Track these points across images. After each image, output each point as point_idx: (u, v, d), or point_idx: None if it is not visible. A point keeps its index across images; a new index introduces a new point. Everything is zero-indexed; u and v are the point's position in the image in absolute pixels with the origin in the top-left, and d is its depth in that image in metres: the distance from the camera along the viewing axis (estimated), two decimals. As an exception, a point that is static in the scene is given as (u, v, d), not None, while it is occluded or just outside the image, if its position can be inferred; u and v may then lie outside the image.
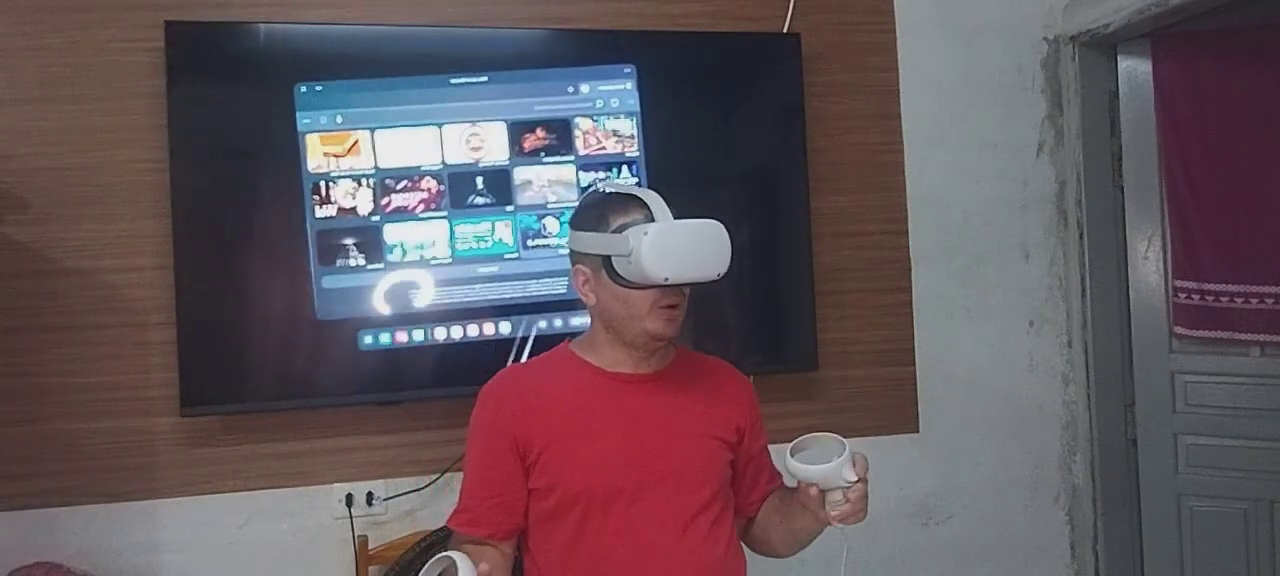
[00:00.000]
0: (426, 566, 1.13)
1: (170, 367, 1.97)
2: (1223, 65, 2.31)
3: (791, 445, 1.30)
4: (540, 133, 2.11)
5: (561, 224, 2.10)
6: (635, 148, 2.16)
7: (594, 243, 1.34)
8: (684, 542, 1.35)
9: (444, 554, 1.13)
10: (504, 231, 2.09)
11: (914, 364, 2.41)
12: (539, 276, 2.10)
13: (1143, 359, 2.44)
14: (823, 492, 1.28)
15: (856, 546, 2.39)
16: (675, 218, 1.32)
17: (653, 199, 1.33)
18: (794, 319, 2.29)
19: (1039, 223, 2.49)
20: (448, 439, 2.11)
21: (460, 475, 2.11)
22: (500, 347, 2.08)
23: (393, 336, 2.03)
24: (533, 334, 2.09)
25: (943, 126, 2.43)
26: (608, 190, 1.40)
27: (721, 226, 1.33)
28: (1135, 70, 2.42)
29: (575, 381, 1.41)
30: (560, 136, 2.12)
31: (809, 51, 2.30)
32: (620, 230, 1.30)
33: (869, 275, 2.39)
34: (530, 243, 2.10)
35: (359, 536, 2.04)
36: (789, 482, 1.54)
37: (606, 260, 1.32)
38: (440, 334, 2.06)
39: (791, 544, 1.47)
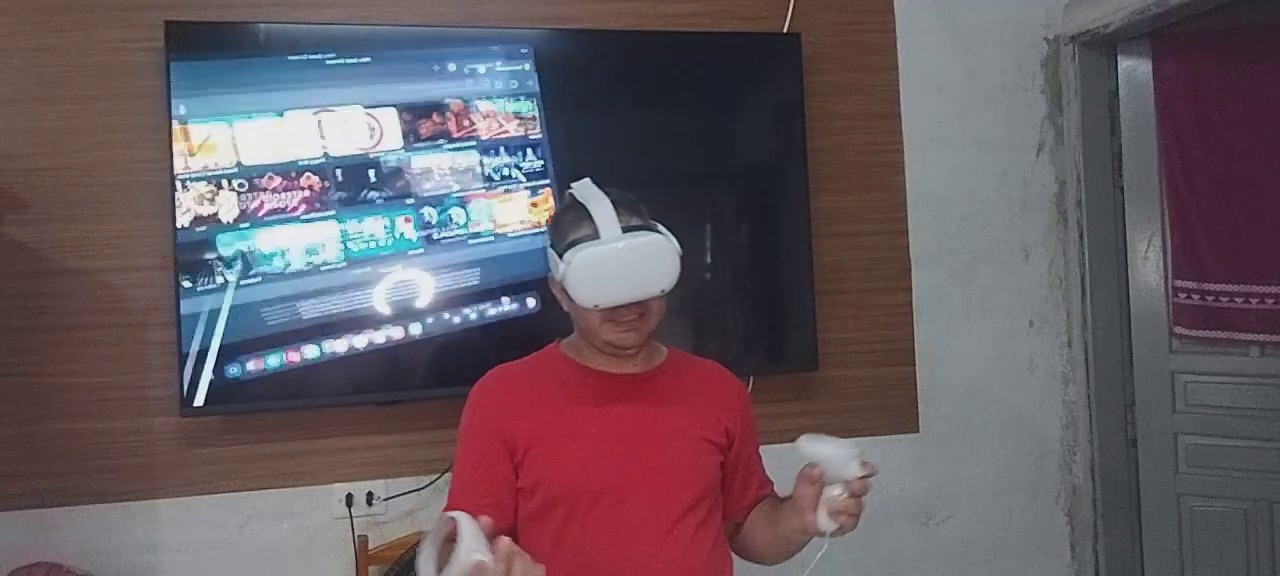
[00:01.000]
0: (430, 530, 1.13)
1: (170, 368, 1.97)
2: (1223, 65, 2.31)
3: (805, 435, 1.29)
4: (436, 117, 1.98)
5: (466, 212, 1.99)
6: (538, 130, 2.04)
7: (552, 259, 1.34)
8: (668, 543, 1.34)
9: (448, 514, 1.12)
10: (405, 227, 1.95)
11: (914, 364, 2.41)
12: (447, 269, 1.98)
13: (1143, 359, 2.44)
14: (821, 487, 1.27)
15: (857, 546, 2.40)
16: (628, 229, 1.29)
17: (601, 212, 1.29)
18: (794, 319, 2.29)
19: (1039, 223, 2.49)
20: (448, 439, 2.08)
21: (460, 475, 2.13)
22: (493, 344, 2.08)
23: (284, 358, 1.90)
24: (448, 330, 1.98)
25: (943, 126, 2.43)
26: (573, 196, 1.36)
27: (664, 243, 1.29)
28: (1135, 70, 2.42)
29: (563, 381, 1.41)
30: (458, 120, 1.99)
31: (809, 51, 2.30)
32: (565, 249, 1.29)
33: (869, 275, 2.39)
34: (435, 236, 1.98)
35: (359, 536, 2.04)
36: (788, 482, 1.54)
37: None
38: (340, 347, 1.94)
39: (776, 549, 1.45)
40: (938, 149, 2.43)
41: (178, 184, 1.88)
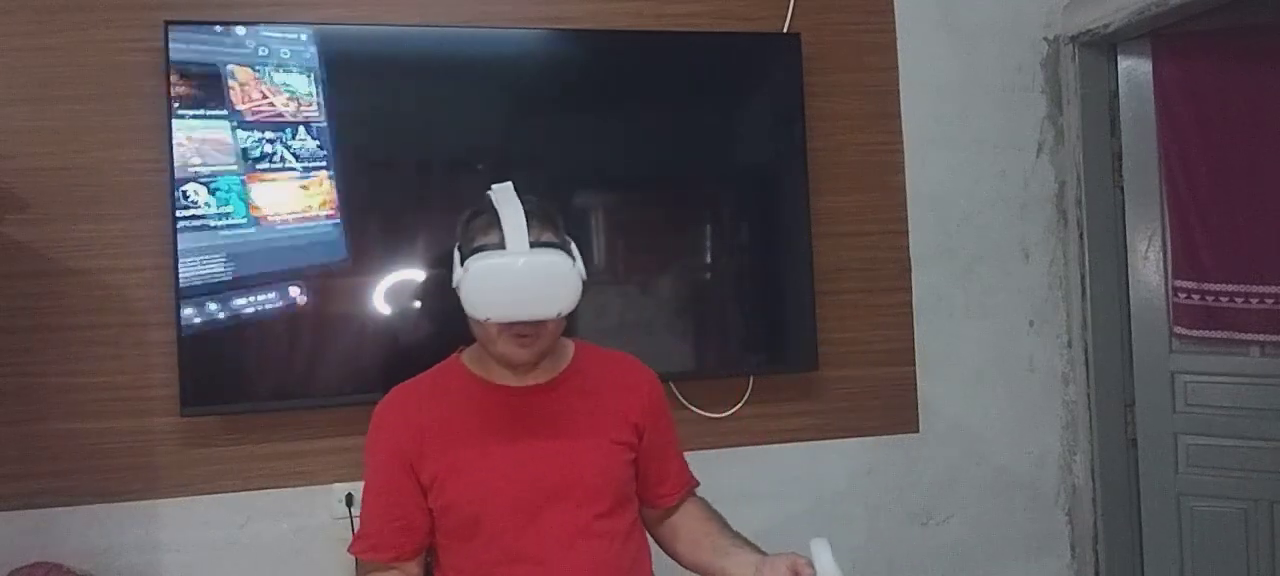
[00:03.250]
0: None
1: (170, 368, 1.97)
2: (1223, 65, 2.31)
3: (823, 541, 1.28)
4: (177, 79, 1.85)
5: (212, 193, 1.83)
6: (315, 110, 1.87)
7: (454, 261, 1.31)
8: (585, 549, 1.34)
9: None
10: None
11: (914, 364, 2.41)
12: (189, 255, 1.85)
13: (1143, 359, 2.44)
14: None
15: (857, 546, 2.40)
16: (536, 244, 1.26)
17: (510, 222, 1.25)
18: (794, 319, 2.29)
19: (1039, 223, 2.49)
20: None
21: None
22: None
23: None
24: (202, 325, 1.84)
25: (943, 126, 2.43)
26: (491, 198, 1.30)
27: (565, 263, 1.26)
28: (1135, 70, 2.42)
29: (466, 398, 1.38)
30: (206, 87, 1.84)
31: (809, 51, 2.30)
32: (471, 253, 1.26)
33: (869, 275, 2.39)
34: (176, 215, 1.84)
35: (359, 536, 2.04)
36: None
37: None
38: None
39: (706, 572, 1.45)
40: (938, 149, 2.43)
41: None
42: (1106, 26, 2.33)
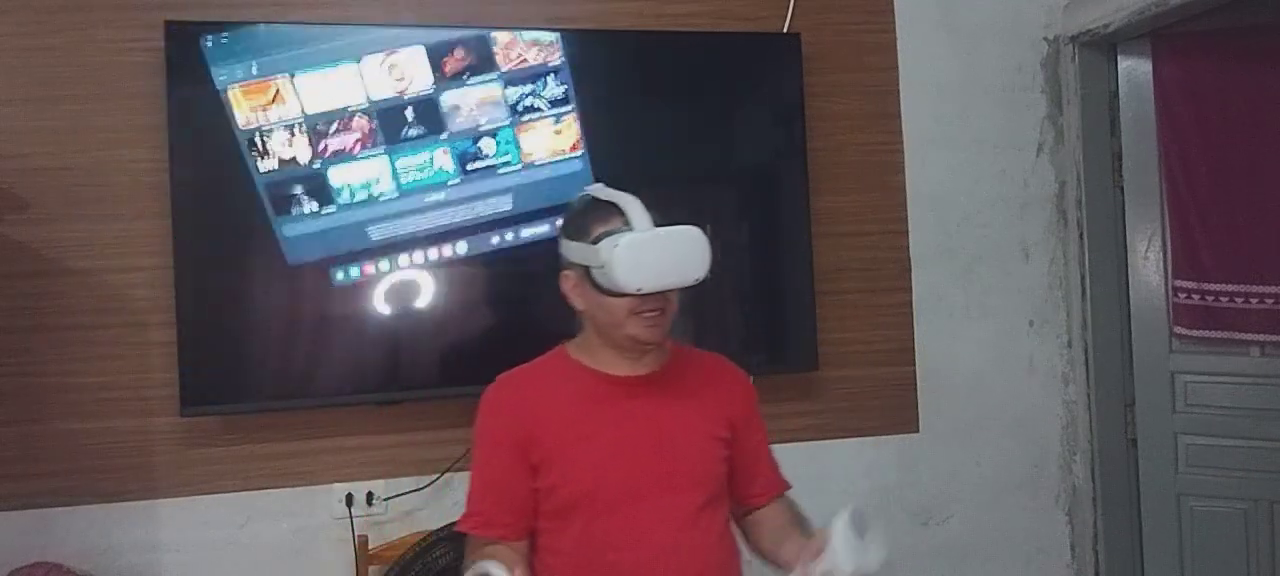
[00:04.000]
0: None
1: (170, 367, 1.97)
2: (1223, 65, 2.31)
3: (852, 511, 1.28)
4: (459, 54, 2.08)
5: (497, 142, 2.10)
6: (558, 57, 2.12)
7: (576, 252, 1.37)
8: (682, 542, 1.38)
9: (481, 568, 1.15)
10: (443, 159, 2.08)
11: (914, 364, 2.41)
12: (484, 197, 2.10)
13: (1143, 359, 2.44)
14: (821, 552, 1.26)
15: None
16: (657, 224, 1.33)
17: (632, 207, 1.34)
18: (794, 319, 2.29)
19: (1039, 223, 2.49)
20: (448, 439, 2.10)
21: (460, 475, 2.13)
22: (497, 348, 2.07)
23: (361, 269, 2.04)
24: (490, 252, 2.10)
25: (943, 126, 2.43)
26: (594, 196, 1.41)
27: (698, 233, 1.34)
28: (1135, 70, 2.42)
29: (572, 386, 1.43)
30: (479, 54, 2.09)
31: (809, 51, 2.30)
32: (598, 240, 1.32)
33: (869, 275, 2.39)
34: (469, 166, 2.09)
35: (359, 536, 2.04)
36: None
37: (587, 269, 1.35)
38: (403, 260, 2.06)
39: (771, 561, 1.48)
40: (938, 149, 2.43)
41: (257, 135, 2.00)
42: (1106, 26, 2.33)
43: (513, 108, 2.11)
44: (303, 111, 2.01)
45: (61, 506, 1.99)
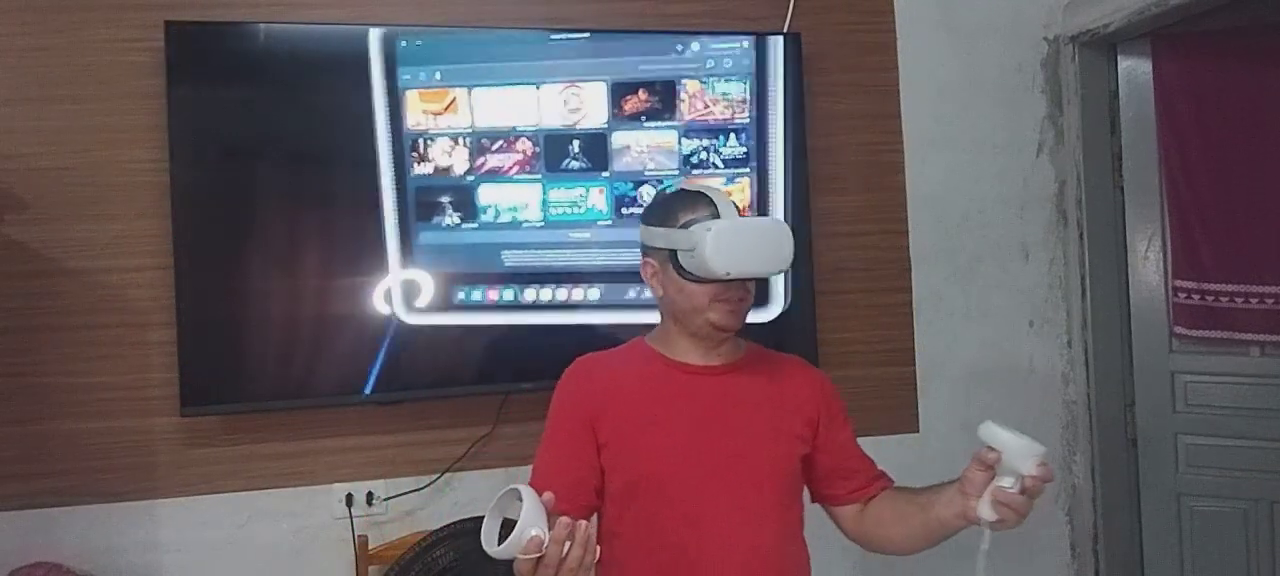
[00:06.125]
0: (494, 501, 1.13)
1: (170, 367, 1.97)
2: (1223, 65, 2.31)
3: (989, 421, 1.29)
4: (642, 95, 2.09)
5: (658, 192, 2.07)
6: (747, 114, 2.10)
7: (662, 237, 1.39)
8: (747, 532, 1.38)
9: (513, 487, 1.13)
10: (598, 198, 2.07)
11: (914, 364, 2.41)
12: (631, 245, 2.07)
13: (1143, 359, 2.44)
14: (993, 475, 1.27)
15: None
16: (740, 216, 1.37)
17: (719, 198, 1.38)
18: (794, 319, 2.28)
19: (1039, 223, 2.49)
20: (448, 439, 2.11)
21: (460, 475, 2.14)
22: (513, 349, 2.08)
23: (485, 294, 2.05)
24: (621, 301, 2.08)
25: (943, 126, 2.43)
26: (681, 187, 1.44)
27: (784, 225, 1.39)
28: (1135, 70, 2.42)
29: (647, 371, 1.45)
30: (663, 99, 2.09)
31: (809, 51, 2.30)
32: (686, 226, 1.35)
33: (869, 275, 2.39)
34: (624, 210, 2.08)
35: (359, 536, 2.04)
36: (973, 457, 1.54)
37: (673, 254, 1.37)
38: (530, 295, 2.06)
39: (919, 538, 1.47)
40: (938, 149, 2.43)
41: (421, 139, 2.03)
42: (1106, 26, 2.33)
43: (686, 159, 2.09)
44: (472, 124, 2.02)
45: (62, 506, 1.99)
